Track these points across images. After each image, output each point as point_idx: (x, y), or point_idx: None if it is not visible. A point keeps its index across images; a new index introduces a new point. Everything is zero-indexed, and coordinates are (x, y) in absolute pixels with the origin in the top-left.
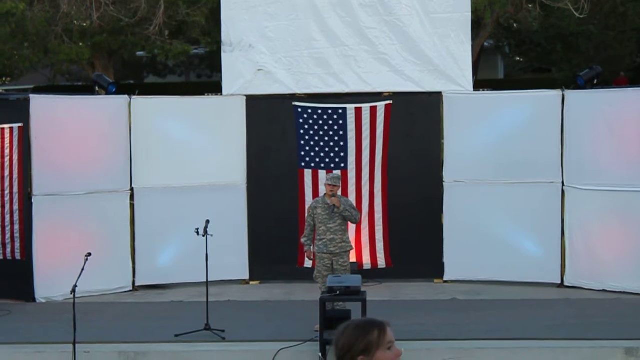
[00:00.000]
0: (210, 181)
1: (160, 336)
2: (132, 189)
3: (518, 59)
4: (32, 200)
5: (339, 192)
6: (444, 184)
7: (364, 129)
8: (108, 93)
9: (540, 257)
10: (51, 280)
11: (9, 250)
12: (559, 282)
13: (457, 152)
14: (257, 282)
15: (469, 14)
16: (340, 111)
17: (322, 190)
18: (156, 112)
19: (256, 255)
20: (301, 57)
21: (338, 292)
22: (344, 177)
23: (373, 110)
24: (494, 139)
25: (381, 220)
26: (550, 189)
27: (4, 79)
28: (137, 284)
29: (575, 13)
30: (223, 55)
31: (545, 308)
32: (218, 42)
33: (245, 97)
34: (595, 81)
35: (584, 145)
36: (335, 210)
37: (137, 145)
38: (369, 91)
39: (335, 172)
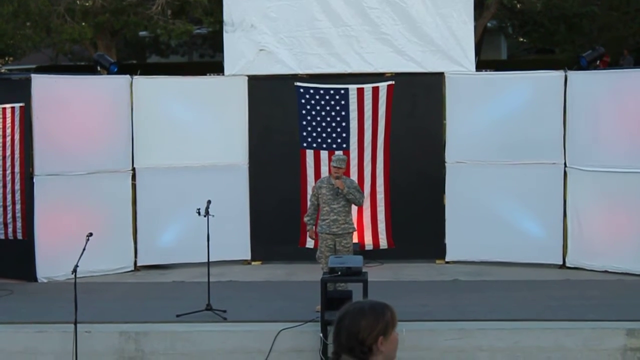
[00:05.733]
0: (212, 161)
1: (162, 316)
2: (133, 169)
3: (521, 39)
4: (34, 180)
5: (342, 174)
6: (446, 164)
7: (366, 109)
8: (110, 73)
9: (542, 238)
10: (53, 260)
11: (10, 230)
12: (561, 263)
13: (459, 133)
14: (258, 263)
15: None
16: (342, 91)
17: (324, 170)
18: (158, 92)
19: (258, 236)
20: (303, 37)
21: (339, 273)
22: (346, 158)
23: (375, 91)
24: (497, 119)
25: (383, 201)
26: (552, 170)
27: (6, 58)
28: (138, 264)
29: None
30: (225, 35)
31: (546, 289)
32: (220, 22)
33: (247, 78)
34: (598, 62)
35: (587, 126)
36: (339, 192)
37: (139, 125)
38: (371, 72)
39: (340, 153)
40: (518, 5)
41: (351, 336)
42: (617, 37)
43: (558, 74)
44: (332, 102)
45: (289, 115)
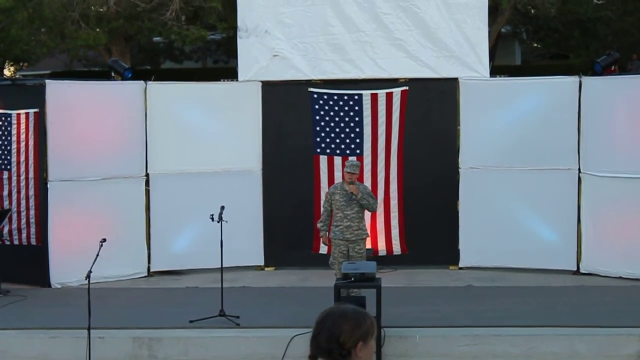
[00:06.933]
0: (226, 167)
1: (175, 322)
2: (147, 175)
3: (535, 45)
4: (48, 186)
5: (356, 179)
6: (459, 170)
7: (379, 115)
8: (124, 79)
9: (556, 244)
10: (66, 266)
11: (24, 235)
12: (575, 269)
13: (474, 139)
14: (272, 268)
15: (486, 0)
16: (356, 97)
17: (338, 176)
18: (172, 98)
19: (271, 241)
20: (317, 42)
21: (353, 279)
22: (360, 164)
23: (389, 97)
24: (511, 125)
25: (397, 206)
26: (566, 176)
27: (21, 64)
28: (152, 269)
29: None
30: (239, 41)
31: (561, 295)
32: (234, 28)
33: (260, 83)
34: (613, 67)
35: (601, 132)
36: (353, 197)
37: (153, 131)
38: (385, 77)
39: (353, 159)
40: (532, 11)
41: (332, 338)
42: (631, 42)
43: (572, 80)
44: (346, 108)
45: (302, 121)
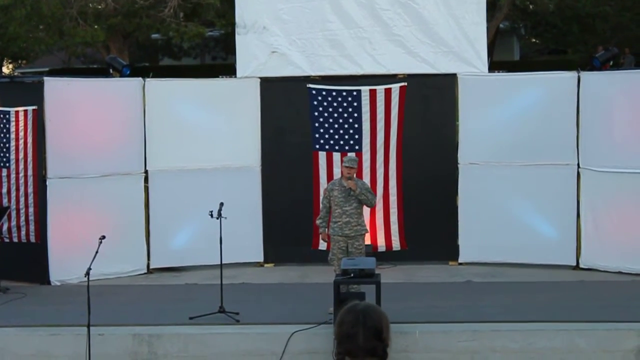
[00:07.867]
0: (225, 164)
1: (175, 319)
2: (146, 172)
3: (534, 40)
4: (47, 183)
5: (354, 175)
6: (458, 165)
7: (378, 111)
8: (122, 75)
9: (556, 239)
10: (66, 263)
11: (23, 233)
12: (575, 264)
13: (472, 134)
14: (271, 265)
15: None
16: (355, 93)
17: (337, 172)
18: (170, 94)
19: (270, 238)
20: (315, 39)
21: (352, 275)
22: (359, 160)
23: (387, 92)
24: (509, 120)
25: (396, 202)
26: (565, 171)
27: (19, 61)
28: (151, 266)
29: None
30: (237, 37)
31: (560, 290)
32: (233, 24)
33: (259, 80)
34: (611, 62)
35: (600, 127)
36: (351, 193)
37: (152, 128)
38: (384, 73)
39: (351, 154)
40: (530, 6)
41: (373, 336)
42: (630, 37)
43: (571, 75)
44: (345, 104)
45: (301, 117)
